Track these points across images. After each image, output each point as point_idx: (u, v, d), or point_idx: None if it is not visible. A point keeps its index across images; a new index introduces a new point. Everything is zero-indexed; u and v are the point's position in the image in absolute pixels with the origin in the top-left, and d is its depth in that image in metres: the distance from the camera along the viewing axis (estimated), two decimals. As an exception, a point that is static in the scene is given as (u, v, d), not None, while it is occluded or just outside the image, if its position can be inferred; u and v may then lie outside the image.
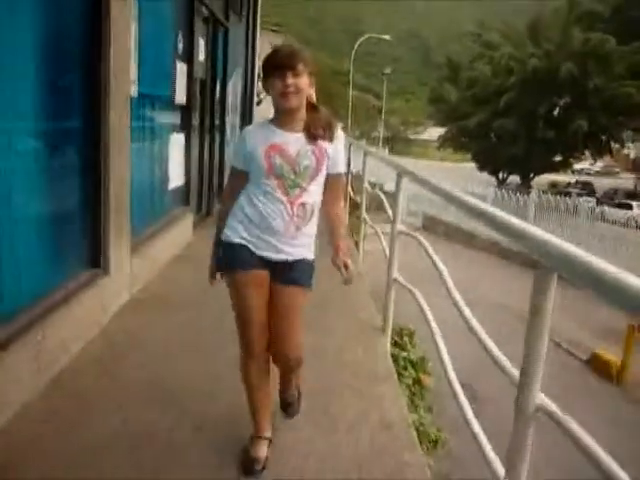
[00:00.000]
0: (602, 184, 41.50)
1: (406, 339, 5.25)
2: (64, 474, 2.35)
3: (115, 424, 2.72)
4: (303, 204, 2.36)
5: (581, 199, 21.37)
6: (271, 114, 2.41)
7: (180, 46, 5.91)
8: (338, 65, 58.20)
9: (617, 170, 63.06)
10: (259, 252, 2.38)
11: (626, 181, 46.37)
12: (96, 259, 3.73)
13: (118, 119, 3.84)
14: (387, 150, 48.68)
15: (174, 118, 6.04)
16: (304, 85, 2.29)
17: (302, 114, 2.37)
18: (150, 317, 4.16)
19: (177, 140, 6.13)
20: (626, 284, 1.16)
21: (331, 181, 2.47)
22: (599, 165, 60.87)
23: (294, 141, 2.35)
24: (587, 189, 38.64)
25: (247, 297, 2.39)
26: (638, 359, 10.08)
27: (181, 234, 6.11)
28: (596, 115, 33.11)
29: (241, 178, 2.43)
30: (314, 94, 2.43)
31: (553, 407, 1.61)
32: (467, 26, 45.22)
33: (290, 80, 2.25)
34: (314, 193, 2.40)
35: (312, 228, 2.46)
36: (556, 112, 35.24)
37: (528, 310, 1.64)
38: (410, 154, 51.21)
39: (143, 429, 2.70)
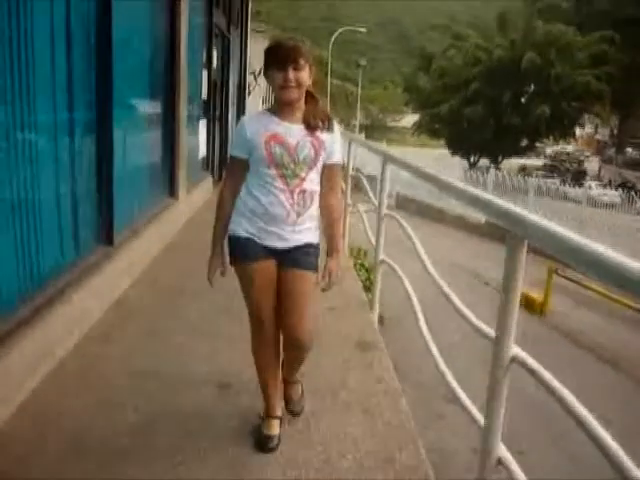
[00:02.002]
0: (570, 168, 44.14)
1: (361, 253, 7.97)
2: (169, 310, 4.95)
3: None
4: (303, 191, 2.43)
5: (548, 180, 24.44)
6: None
7: (204, 58, 8.49)
8: (317, 54, 59.88)
9: (587, 154, 65.84)
10: (264, 243, 2.47)
11: (594, 164, 48.95)
12: (173, 192, 6.36)
13: (181, 110, 6.43)
14: (363, 136, 50.17)
15: (201, 110, 8.62)
16: (305, 79, 2.35)
17: (301, 105, 2.44)
18: (199, 232, 6.75)
19: (202, 125, 8.75)
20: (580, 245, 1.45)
21: (327, 171, 2.53)
22: (570, 149, 63.69)
23: (294, 132, 2.41)
24: (553, 172, 41.45)
25: (256, 286, 2.49)
26: (556, 296, 12.93)
27: (206, 189, 8.76)
28: (558, 101, 35.08)
29: (240, 167, 2.48)
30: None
31: (527, 358, 1.81)
32: (441, 19, 46.77)
33: (291, 75, 2.31)
34: (312, 181, 2.47)
35: (313, 213, 2.53)
36: (523, 99, 37.55)
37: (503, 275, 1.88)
38: (392, 141, 51.88)
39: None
